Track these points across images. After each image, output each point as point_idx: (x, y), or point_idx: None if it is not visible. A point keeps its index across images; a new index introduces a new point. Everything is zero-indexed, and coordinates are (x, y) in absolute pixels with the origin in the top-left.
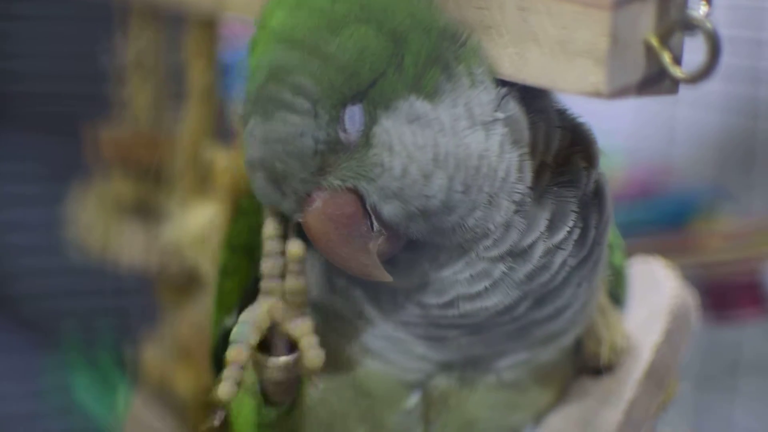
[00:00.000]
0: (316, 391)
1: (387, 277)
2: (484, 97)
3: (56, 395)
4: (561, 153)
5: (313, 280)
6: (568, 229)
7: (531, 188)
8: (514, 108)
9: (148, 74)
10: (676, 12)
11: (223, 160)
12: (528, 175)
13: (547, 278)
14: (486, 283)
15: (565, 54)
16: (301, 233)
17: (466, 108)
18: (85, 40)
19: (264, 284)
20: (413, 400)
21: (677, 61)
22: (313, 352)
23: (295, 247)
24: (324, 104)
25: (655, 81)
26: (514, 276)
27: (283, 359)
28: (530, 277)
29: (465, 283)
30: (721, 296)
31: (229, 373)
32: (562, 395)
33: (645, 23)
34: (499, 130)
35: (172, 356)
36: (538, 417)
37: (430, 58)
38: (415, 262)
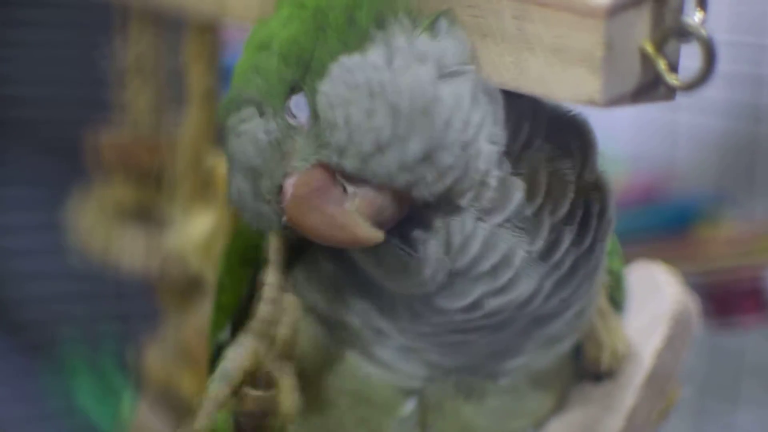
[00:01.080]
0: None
1: (376, 235)
2: (448, 47)
3: (56, 400)
4: (543, 132)
5: (317, 289)
6: (569, 202)
7: (517, 157)
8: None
9: (148, 78)
10: (671, 19)
11: (225, 167)
12: (504, 132)
13: (557, 259)
14: (509, 273)
15: (560, 63)
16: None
17: (406, 46)
18: (84, 44)
19: (255, 326)
20: (409, 406)
21: (673, 68)
22: (290, 396)
23: (292, 301)
24: (267, 103)
25: (651, 88)
26: (531, 259)
27: (260, 393)
28: (543, 257)
29: (488, 278)
30: (724, 302)
31: (206, 409)
32: (563, 402)
33: (640, 30)
34: (470, 78)
35: (176, 361)
36: (538, 424)
37: (357, 20)
38: (429, 240)
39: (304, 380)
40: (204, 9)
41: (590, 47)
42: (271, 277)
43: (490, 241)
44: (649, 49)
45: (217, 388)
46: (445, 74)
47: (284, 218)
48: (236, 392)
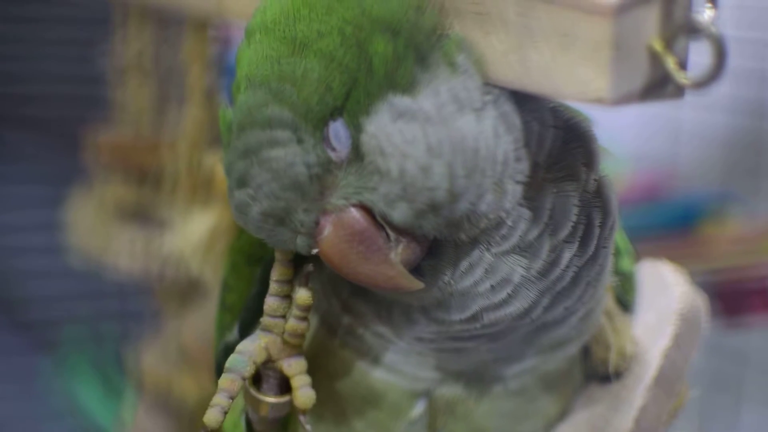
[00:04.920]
0: (305, 430)
1: (417, 285)
2: (470, 83)
3: (57, 399)
4: (555, 151)
5: (323, 296)
6: (572, 223)
7: (527, 184)
8: (502, 96)
9: (146, 77)
10: (681, 16)
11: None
12: (526, 163)
13: (558, 274)
14: (508, 289)
15: (566, 61)
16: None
17: (450, 94)
18: (83, 42)
19: (265, 320)
20: (419, 409)
21: (682, 65)
22: (304, 392)
23: (303, 294)
24: (304, 128)
25: (659, 86)
26: (530, 276)
27: (277, 400)
28: (543, 273)
29: (487, 294)
30: (732, 301)
31: (217, 401)
32: (572, 404)
33: (648, 28)
34: (491, 113)
35: (175, 364)
36: (549, 426)
37: (402, 53)
38: (438, 268)
39: (313, 385)
40: (203, 7)
41: (598, 45)
42: (277, 272)
43: (493, 266)
44: (658, 47)
45: (229, 380)
46: (475, 113)
47: (314, 250)
48: (250, 397)
